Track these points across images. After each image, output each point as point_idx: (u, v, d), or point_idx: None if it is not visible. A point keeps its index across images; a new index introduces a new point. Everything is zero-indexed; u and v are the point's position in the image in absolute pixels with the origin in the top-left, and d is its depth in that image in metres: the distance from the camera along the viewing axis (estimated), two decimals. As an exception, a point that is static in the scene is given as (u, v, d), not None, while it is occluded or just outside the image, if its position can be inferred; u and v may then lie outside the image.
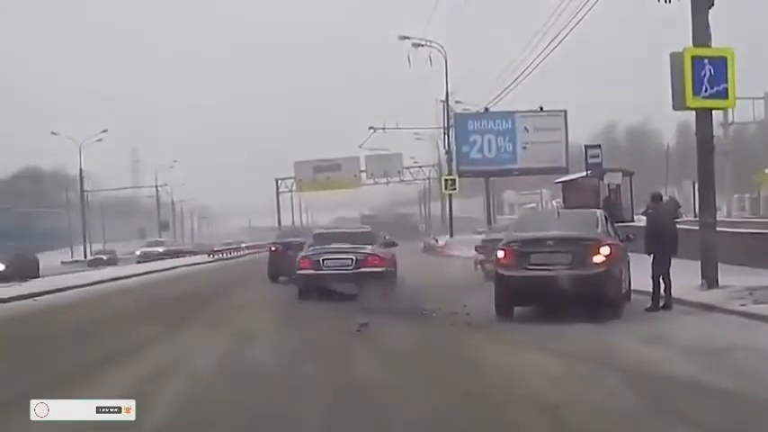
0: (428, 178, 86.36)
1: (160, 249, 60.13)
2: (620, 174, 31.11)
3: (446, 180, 48.27)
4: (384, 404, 7.37)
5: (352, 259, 17.67)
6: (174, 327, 13.51)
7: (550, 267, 12.03)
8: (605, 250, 12.23)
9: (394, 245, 20.38)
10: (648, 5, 15.98)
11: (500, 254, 12.47)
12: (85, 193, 71.55)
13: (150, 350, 11.04)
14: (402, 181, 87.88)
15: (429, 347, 10.81)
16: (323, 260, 17.74)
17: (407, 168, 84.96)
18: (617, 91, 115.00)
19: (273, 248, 24.60)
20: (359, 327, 11.99)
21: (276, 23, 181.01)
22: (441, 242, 46.72)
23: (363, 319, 12.61)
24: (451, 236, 48.71)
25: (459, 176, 47.61)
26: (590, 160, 29.75)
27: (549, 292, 11.96)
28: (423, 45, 49.24)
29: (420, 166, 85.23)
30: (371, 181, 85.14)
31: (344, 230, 21.51)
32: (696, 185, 36.77)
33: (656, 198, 14.42)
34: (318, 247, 18.38)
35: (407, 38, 49.39)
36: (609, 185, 30.44)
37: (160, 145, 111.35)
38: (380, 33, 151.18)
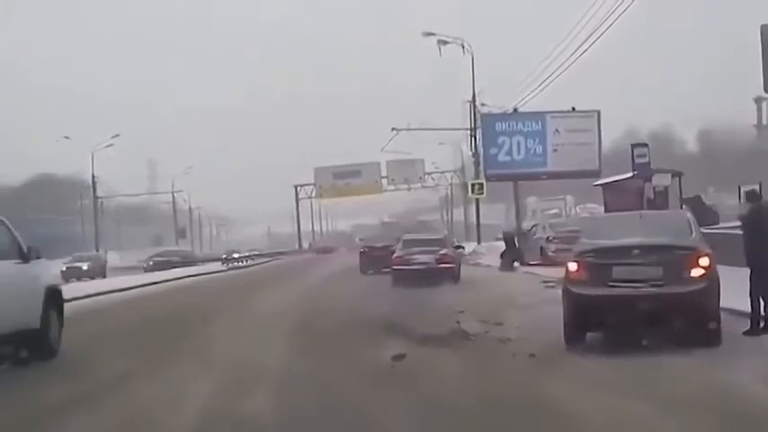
0: (450, 184, 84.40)
1: None
2: (669, 175, 28.35)
3: (473, 185, 45.83)
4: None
5: (431, 257, 23.72)
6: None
7: (637, 284, 9.42)
8: (704, 261, 9.61)
9: (461, 248, 28.34)
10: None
11: (572, 267, 9.83)
12: (100, 200, 69.60)
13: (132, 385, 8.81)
14: (424, 187, 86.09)
15: (485, 390, 8.11)
16: (411, 258, 23.82)
17: (429, 174, 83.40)
18: (636, 96, 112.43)
19: (362, 250, 33.09)
20: (393, 360, 9.38)
21: (296, 28, 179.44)
22: (467, 249, 43.99)
23: (398, 348, 10.05)
24: (479, 243, 46.21)
25: (487, 180, 45.35)
26: (637, 160, 27.01)
27: (635, 314, 9.35)
28: (448, 42, 47.04)
29: (442, 172, 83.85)
30: (392, 187, 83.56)
31: (425, 237, 28.28)
32: (742, 190, 34.21)
33: (754, 197, 11.70)
34: (407, 249, 24.56)
35: (432, 34, 47.34)
36: (655, 188, 27.71)
37: (177, 151, 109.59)
38: (404, 36, 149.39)
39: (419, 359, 9.53)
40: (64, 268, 44.54)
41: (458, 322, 12.48)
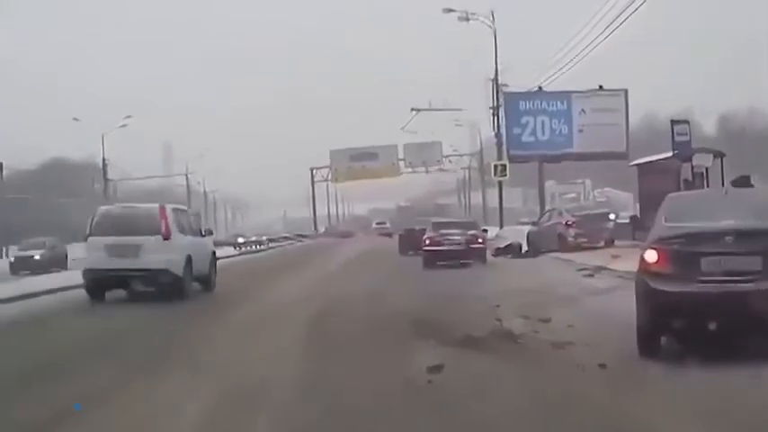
0: (468, 167, 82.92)
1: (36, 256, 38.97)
2: (711, 155, 26.38)
3: (496, 166, 43.99)
4: None
5: (462, 239, 25.06)
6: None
7: (731, 278, 7.57)
8: (810, 250, 7.76)
9: (486, 231, 29.73)
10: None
11: (650, 256, 7.88)
12: (112, 183, 68.36)
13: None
14: (441, 170, 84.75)
15: (553, 416, 6.20)
16: (442, 240, 25.09)
17: (446, 157, 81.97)
18: (652, 80, 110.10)
19: (401, 233, 36.75)
20: (428, 372, 7.50)
21: (310, 7, 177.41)
22: (491, 233, 42.11)
23: (433, 354, 8.29)
24: (502, 226, 44.40)
25: (510, 161, 43.63)
26: (677, 138, 25.19)
27: (729, 315, 7.52)
28: (469, 19, 45.10)
29: (460, 155, 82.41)
30: (410, 170, 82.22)
31: (455, 220, 30.91)
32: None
33: None
34: (438, 231, 25.73)
35: (452, 10, 45.29)
36: (694, 168, 25.76)
37: (193, 135, 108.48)
38: (422, 16, 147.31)
39: (461, 370, 7.71)
40: (12, 259, 40.28)
41: (498, 320, 10.69)
